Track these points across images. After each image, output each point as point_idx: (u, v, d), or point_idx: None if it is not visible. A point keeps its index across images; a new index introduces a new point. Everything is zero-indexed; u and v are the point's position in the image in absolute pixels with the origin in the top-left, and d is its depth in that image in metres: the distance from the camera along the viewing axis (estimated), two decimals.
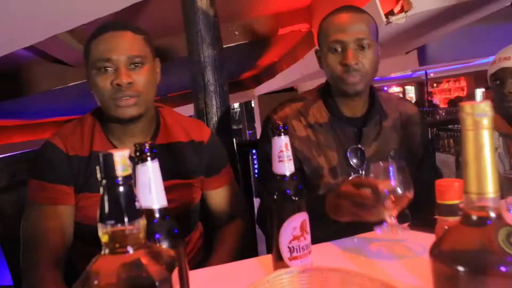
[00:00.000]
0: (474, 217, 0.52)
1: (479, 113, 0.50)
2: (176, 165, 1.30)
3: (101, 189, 0.47)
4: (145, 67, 1.20)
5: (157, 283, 0.45)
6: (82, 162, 1.22)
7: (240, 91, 8.12)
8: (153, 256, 0.49)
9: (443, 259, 0.53)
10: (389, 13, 1.96)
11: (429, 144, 1.47)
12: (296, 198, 0.85)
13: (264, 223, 1.35)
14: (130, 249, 0.48)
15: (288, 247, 0.85)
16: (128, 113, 1.18)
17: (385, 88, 20.89)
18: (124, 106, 1.16)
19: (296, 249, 0.85)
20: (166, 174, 1.21)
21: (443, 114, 9.65)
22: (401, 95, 21.07)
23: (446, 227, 0.79)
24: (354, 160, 1.33)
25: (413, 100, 18.59)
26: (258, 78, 7.44)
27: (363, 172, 1.33)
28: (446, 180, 0.82)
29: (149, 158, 0.63)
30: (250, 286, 0.68)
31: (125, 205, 0.47)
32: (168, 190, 1.22)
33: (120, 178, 0.47)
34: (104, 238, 0.48)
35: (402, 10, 1.94)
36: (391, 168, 0.94)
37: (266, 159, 1.38)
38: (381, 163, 0.96)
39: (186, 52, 1.90)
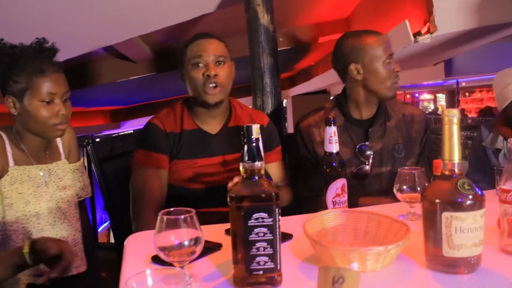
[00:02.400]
0: (446, 173, 0.92)
1: (452, 115, 0.90)
2: None
3: (244, 146, 0.89)
4: (226, 65, 1.63)
5: (273, 194, 0.87)
6: (175, 138, 1.65)
7: None
8: (268, 183, 0.90)
9: (427, 197, 0.93)
10: (417, 34, 2.34)
11: (427, 139, 1.81)
12: (339, 169, 1.26)
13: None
14: (256, 177, 0.90)
15: (332, 201, 1.26)
16: (213, 99, 1.60)
17: (416, 95, 20.98)
18: (210, 93, 1.58)
19: (338, 202, 1.26)
20: (238, 148, 1.64)
21: (472, 122, 9.81)
22: (431, 102, 21.02)
23: None
24: (363, 154, 1.70)
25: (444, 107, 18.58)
26: (293, 79, 7.83)
27: (370, 163, 1.70)
28: (439, 160, 1.22)
29: None
30: (309, 217, 1.09)
31: (256, 153, 0.89)
32: (238, 160, 1.68)
33: (254, 139, 0.89)
34: (242, 171, 0.90)
35: (428, 31, 2.32)
36: None
37: (301, 161, 1.78)
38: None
39: (240, 53, 2.29)
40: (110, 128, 9.15)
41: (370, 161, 1.70)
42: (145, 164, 1.63)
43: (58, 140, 1.59)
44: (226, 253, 1.10)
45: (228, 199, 0.88)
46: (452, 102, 17.02)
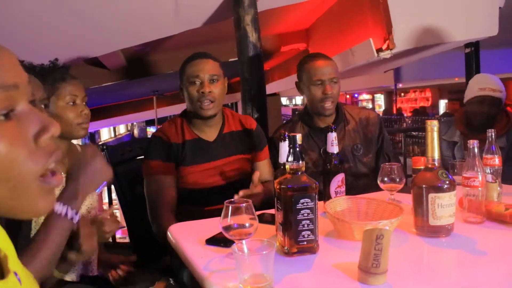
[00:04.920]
0: (429, 166, 1.29)
1: (433, 125, 1.27)
2: (238, 145, 1.99)
3: (290, 150, 1.21)
4: (219, 82, 1.88)
5: (313, 185, 1.19)
6: (179, 147, 1.89)
7: (228, 94, 8.84)
8: (307, 177, 1.23)
9: (416, 184, 1.30)
10: (379, 50, 2.76)
11: (384, 138, 2.15)
12: (340, 165, 1.61)
13: None
14: (299, 173, 1.22)
15: (335, 191, 1.61)
16: (208, 113, 1.86)
17: (356, 95, 22.07)
18: (205, 108, 1.84)
19: (339, 192, 1.61)
20: (234, 151, 1.93)
21: (409, 122, 10.65)
22: (370, 102, 22.18)
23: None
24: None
25: (382, 108, 19.76)
26: None
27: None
28: (417, 157, 1.61)
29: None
30: (326, 202, 1.43)
31: (299, 155, 1.21)
32: (235, 162, 1.97)
33: (298, 144, 1.21)
34: (288, 169, 1.22)
35: (388, 48, 2.74)
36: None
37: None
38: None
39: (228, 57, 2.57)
40: None
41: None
42: (156, 172, 1.85)
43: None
44: (260, 233, 1.40)
45: (281, 191, 1.19)
46: (389, 102, 18.13)
